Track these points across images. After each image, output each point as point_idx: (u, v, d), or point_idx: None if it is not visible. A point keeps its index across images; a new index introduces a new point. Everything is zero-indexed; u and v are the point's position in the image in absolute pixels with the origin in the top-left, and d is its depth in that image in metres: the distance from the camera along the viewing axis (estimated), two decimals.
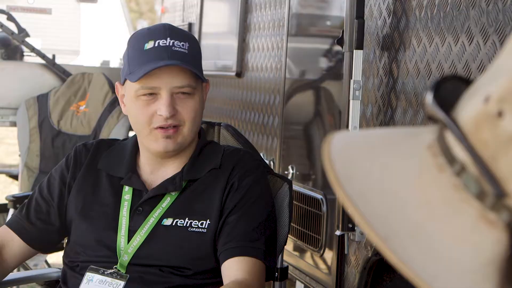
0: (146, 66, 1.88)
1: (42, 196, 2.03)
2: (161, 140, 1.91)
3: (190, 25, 4.90)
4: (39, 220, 2.01)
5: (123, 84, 1.98)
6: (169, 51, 1.89)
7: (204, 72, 2.00)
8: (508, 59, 0.57)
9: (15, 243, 2.01)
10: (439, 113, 0.57)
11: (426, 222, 0.56)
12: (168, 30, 1.93)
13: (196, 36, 4.53)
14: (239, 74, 4.10)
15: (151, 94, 1.90)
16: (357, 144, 0.62)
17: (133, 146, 2.04)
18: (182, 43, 1.91)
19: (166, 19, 5.88)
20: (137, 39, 1.95)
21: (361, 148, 0.61)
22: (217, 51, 4.47)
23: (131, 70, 1.91)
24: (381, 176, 0.59)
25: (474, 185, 0.56)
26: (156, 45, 1.90)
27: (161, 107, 1.88)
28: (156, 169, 2.00)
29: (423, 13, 2.37)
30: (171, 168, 2.00)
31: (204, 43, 4.56)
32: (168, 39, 1.90)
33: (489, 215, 0.55)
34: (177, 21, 5.29)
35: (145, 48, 1.90)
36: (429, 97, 0.58)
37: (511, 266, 0.54)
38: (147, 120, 1.91)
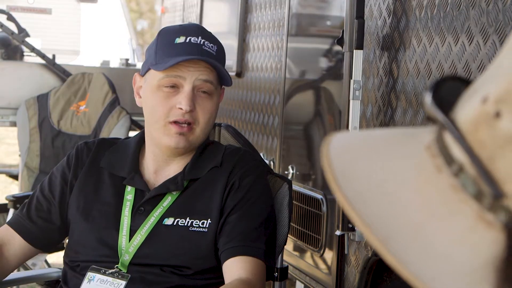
0: (177, 58, 1.90)
1: (44, 194, 2.03)
2: (174, 136, 1.92)
3: None
4: (40, 218, 2.01)
5: (143, 75, 1.98)
6: (200, 48, 1.92)
7: None
8: (507, 59, 0.57)
9: (16, 242, 2.01)
10: (438, 114, 0.57)
11: (424, 223, 0.56)
12: (200, 30, 1.97)
13: None
14: (239, 74, 4.10)
15: (173, 86, 1.91)
16: (356, 145, 0.62)
17: (136, 145, 2.04)
18: (211, 44, 1.94)
19: (166, 19, 5.89)
20: (168, 33, 1.97)
21: (360, 149, 0.61)
22: None
23: (157, 60, 1.93)
24: (380, 177, 0.59)
25: (472, 186, 0.56)
26: (187, 40, 1.93)
27: (182, 100, 1.90)
28: (160, 168, 2.00)
29: (423, 13, 2.37)
30: (174, 168, 2.00)
31: None
32: (200, 37, 1.93)
33: (486, 216, 0.55)
34: (177, 21, 5.29)
35: (175, 42, 1.93)
36: (428, 98, 0.58)
37: (508, 267, 0.54)
38: (165, 112, 1.92)
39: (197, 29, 1.97)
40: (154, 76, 1.93)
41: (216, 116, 2.00)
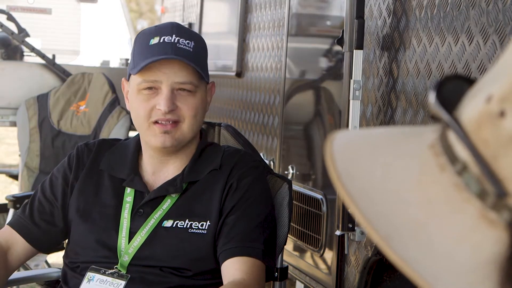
0: (149, 59, 1.89)
1: (45, 196, 2.03)
2: (159, 135, 1.92)
3: (190, 25, 4.90)
4: (43, 221, 2.01)
5: (128, 80, 1.99)
6: (173, 47, 1.90)
7: None
8: (511, 58, 0.57)
9: (19, 245, 2.00)
10: (442, 113, 0.57)
11: (427, 221, 0.56)
12: (175, 28, 1.95)
13: None
14: (239, 74, 4.10)
15: (151, 88, 1.91)
16: (360, 143, 0.62)
17: (135, 146, 2.04)
18: (187, 41, 1.92)
19: (166, 19, 5.88)
20: (144, 36, 1.96)
21: (363, 146, 0.62)
22: (217, 51, 4.48)
23: (135, 64, 1.93)
24: (383, 175, 0.59)
25: (475, 185, 0.56)
26: (161, 40, 1.92)
27: (161, 102, 1.90)
28: (158, 169, 2.00)
29: (423, 13, 2.37)
30: (172, 169, 2.00)
31: None
32: (174, 36, 1.92)
33: (490, 215, 0.55)
34: (177, 21, 5.28)
35: (150, 44, 1.92)
36: (431, 96, 0.58)
37: (511, 266, 0.54)
38: (147, 114, 1.92)
39: (172, 28, 1.95)
40: (135, 80, 1.94)
41: (204, 111, 1.98)
